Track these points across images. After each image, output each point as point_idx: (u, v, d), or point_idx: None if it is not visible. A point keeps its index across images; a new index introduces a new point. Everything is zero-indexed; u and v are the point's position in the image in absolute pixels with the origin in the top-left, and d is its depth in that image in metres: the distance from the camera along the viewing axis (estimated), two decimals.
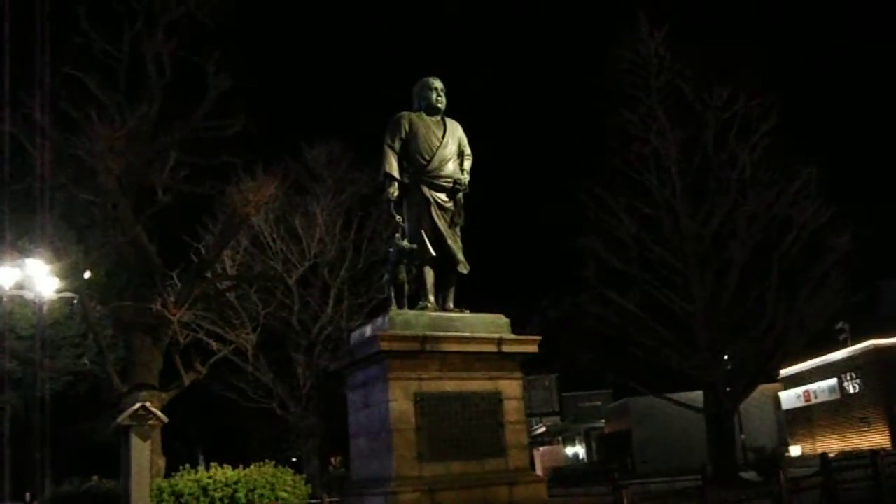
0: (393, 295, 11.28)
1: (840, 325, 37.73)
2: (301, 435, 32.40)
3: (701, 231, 29.52)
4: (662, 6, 33.35)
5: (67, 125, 22.34)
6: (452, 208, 11.72)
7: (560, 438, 64.55)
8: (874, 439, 35.71)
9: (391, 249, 11.44)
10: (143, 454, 16.64)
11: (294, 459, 39.38)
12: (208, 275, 24.50)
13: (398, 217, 11.63)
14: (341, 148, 32.71)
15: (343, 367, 11.57)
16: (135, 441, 16.51)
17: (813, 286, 28.17)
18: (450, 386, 10.61)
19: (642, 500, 11.77)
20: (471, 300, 11.75)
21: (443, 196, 11.67)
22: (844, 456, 29.01)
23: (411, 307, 11.27)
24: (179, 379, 22.47)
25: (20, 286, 21.33)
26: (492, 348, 10.90)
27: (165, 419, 17.94)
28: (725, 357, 30.40)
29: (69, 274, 22.05)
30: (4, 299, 22.93)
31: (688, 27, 48.34)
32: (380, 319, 10.89)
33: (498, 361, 11.01)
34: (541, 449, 56.13)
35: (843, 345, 38.51)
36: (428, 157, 11.64)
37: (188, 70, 24.13)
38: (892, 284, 38.44)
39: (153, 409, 17.25)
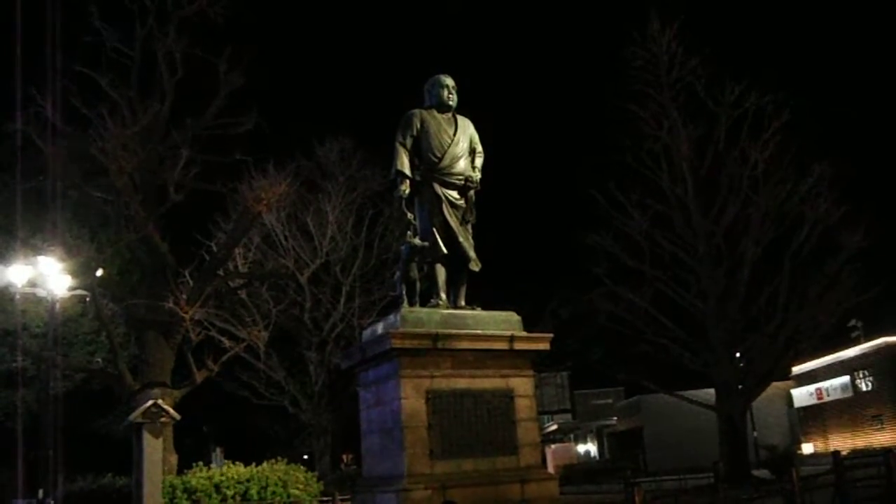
0: (404, 292, 11.29)
1: (853, 322, 37.67)
2: (313, 432, 32.46)
3: (713, 228, 29.48)
4: (674, 3, 33.33)
5: (79, 123, 22.42)
6: (464, 206, 11.73)
7: (572, 436, 64.59)
8: (887, 437, 35.62)
9: (403, 247, 11.45)
10: (155, 451, 16.66)
11: (306, 457, 39.41)
12: (220, 272, 24.53)
13: (410, 214, 11.64)
14: (353, 145, 32.77)
15: (355, 365, 11.58)
16: (147, 438, 16.54)
17: (825, 284, 28.10)
18: (461, 383, 10.61)
19: (654, 498, 11.74)
20: (482, 298, 11.76)
21: (454, 193, 11.67)
22: (857, 454, 28.98)
23: (423, 305, 11.29)
24: (191, 376, 22.50)
25: (33, 284, 21.37)
26: (503, 346, 10.89)
27: (177, 416, 17.97)
28: (738, 354, 30.35)
29: (82, 272, 22.07)
30: (17, 297, 22.99)
31: (700, 24, 48.22)
32: (391, 317, 10.89)
33: (510, 359, 11.01)
34: (553, 447, 56.16)
35: (856, 342, 38.44)
36: (439, 155, 11.64)
37: (200, 68, 24.17)
38: None
39: (165, 407, 17.28)
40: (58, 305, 21.69)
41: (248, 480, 19.42)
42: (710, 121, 29.98)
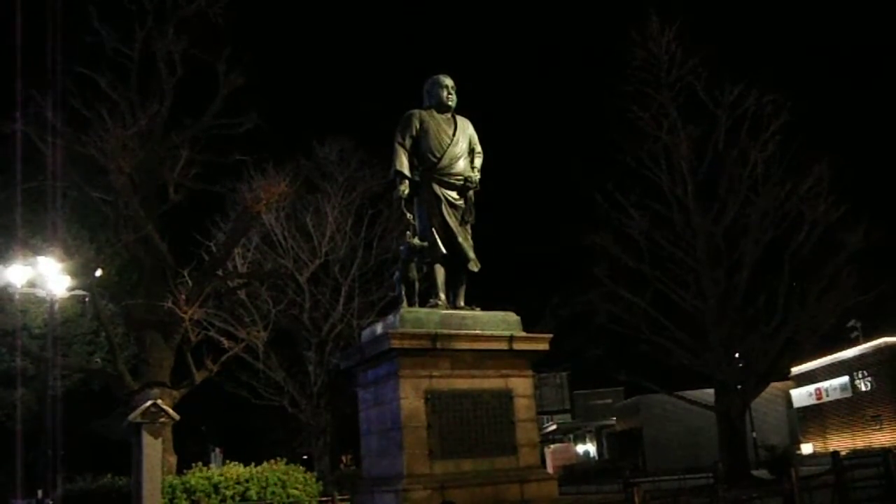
0: (404, 293, 11.28)
1: (852, 322, 37.69)
2: (312, 433, 32.39)
3: (712, 228, 29.50)
4: (674, 3, 33.35)
5: (79, 124, 22.38)
6: (463, 206, 11.69)
7: (571, 436, 64.61)
8: (886, 437, 35.63)
9: (402, 247, 11.42)
10: (154, 452, 16.64)
11: (305, 457, 39.35)
12: (219, 272, 24.53)
13: (409, 215, 11.61)
14: (352, 145, 32.72)
15: (354, 365, 11.56)
16: (146, 438, 16.51)
17: (825, 284, 28.11)
18: (461, 384, 10.59)
19: (654, 499, 11.72)
20: (481, 298, 11.74)
21: (453, 194, 11.64)
22: (856, 454, 29.00)
23: (422, 305, 11.26)
24: (191, 376, 22.49)
25: (32, 284, 21.38)
26: (503, 346, 10.88)
27: (177, 417, 17.95)
28: (737, 355, 30.36)
29: (81, 272, 22.08)
30: (17, 297, 23.01)
31: (699, 24, 48.22)
32: (391, 317, 10.87)
33: (509, 359, 10.99)
34: (552, 447, 56.16)
35: (855, 342, 38.46)
36: (438, 155, 11.62)
37: (200, 68, 24.19)
38: None
39: (165, 407, 17.26)
40: (57, 306, 21.70)
41: (247, 481, 19.40)
42: (710, 121, 30.03)
